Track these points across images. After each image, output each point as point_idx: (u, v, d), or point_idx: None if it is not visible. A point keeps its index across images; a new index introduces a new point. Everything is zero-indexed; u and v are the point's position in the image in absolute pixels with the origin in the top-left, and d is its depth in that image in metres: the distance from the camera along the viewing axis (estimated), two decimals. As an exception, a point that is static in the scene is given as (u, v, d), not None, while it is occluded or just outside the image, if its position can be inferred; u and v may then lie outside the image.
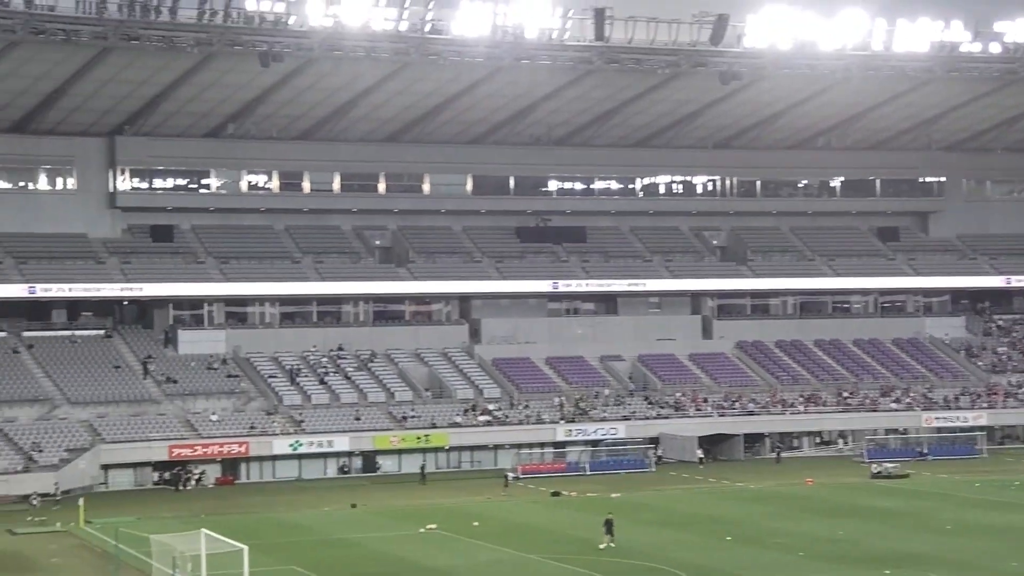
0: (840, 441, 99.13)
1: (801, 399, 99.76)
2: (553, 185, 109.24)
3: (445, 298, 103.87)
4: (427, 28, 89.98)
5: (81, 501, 69.51)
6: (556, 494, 77.91)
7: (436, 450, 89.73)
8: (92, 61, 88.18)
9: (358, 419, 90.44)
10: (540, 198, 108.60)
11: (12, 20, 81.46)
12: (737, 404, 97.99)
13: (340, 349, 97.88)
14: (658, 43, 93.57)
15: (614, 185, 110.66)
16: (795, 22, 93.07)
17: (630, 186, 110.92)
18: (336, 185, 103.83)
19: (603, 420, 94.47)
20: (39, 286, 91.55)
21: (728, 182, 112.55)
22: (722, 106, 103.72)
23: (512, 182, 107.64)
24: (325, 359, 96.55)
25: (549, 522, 67.73)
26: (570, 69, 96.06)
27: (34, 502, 73.32)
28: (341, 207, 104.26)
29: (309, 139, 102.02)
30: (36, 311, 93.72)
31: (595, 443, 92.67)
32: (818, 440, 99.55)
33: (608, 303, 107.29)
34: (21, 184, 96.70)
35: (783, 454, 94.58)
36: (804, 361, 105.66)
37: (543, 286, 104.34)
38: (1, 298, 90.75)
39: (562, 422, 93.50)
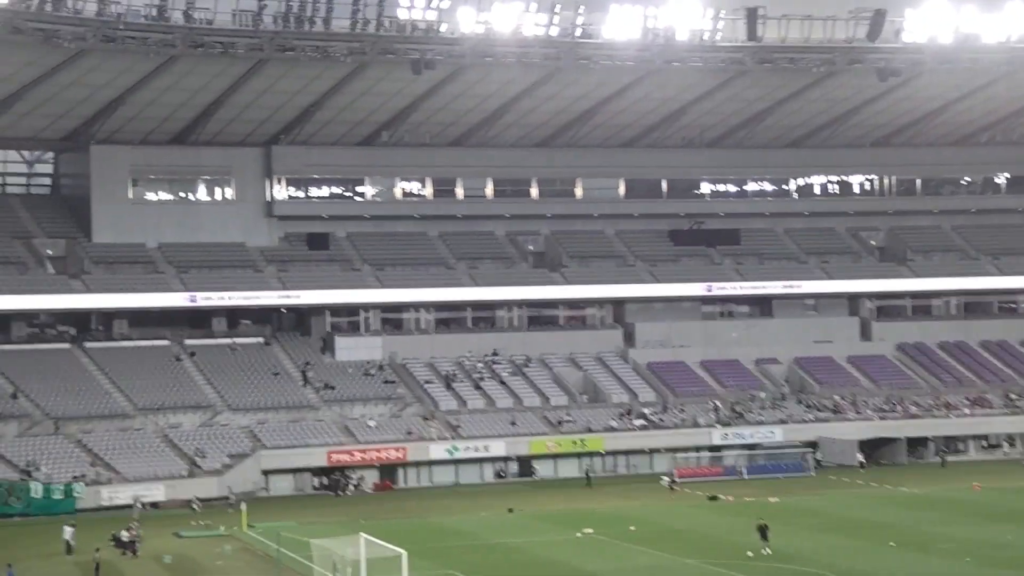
0: (1005, 444, 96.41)
1: (967, 402, 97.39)
2: (706, 187, 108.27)
3: (599, 302, 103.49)
4: (577, 32, 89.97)
5: (243, 506, 70.59)
6: (713, 498, 77.04)
7: (592, 454, 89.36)
8: (248, 73, 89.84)
9: (514, 424, 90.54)
10: (693, 201, 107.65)
11: (172, 35, 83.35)
12: (899, 407, 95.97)
13: (495, 354, 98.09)
14: (812, 41, 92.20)
15: (768, 186, 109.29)
16: (956, 15, 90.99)
17: (784, 187, 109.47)
18: (489, 191, 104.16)
19: (760, 423, 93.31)
20: (200, 295, 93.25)
21: (887, 181, 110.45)
22: (880, 103, 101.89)
23: (664, 185, 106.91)
24: (480, 364, 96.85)
25: (706, 527, 66.94)
26: (722, 70, 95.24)
27: (195, 507, 74.60)
28: (494, 213, 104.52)
29: (462, 145, 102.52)
30: (197, 319, 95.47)
31: (752, 447, 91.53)
32: (984, 444, 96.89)
33: (763, 305, 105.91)
34: (181, 195, 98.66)
35: (948, 458, 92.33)
36: (969, 363, 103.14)
37: (697, 289, 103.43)
38: (163, 307, 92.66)
39: (718, 426, 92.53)
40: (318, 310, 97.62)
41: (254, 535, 65.53)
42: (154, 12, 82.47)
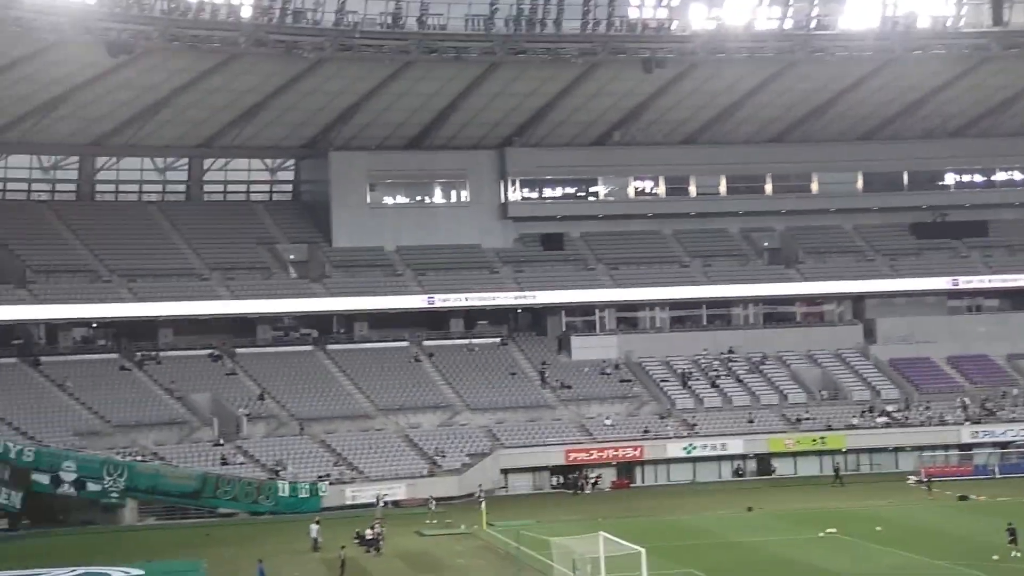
0: None
1: None
2: (950, 178, 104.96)
3: (837, 298, 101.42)
4: (812, 24, 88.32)
5: (483, 504, 71.22)
6: (963, 498, 74.62)
7: (832, 452, 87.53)
8: (481, 76, 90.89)
9: (751, 422, 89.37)
10: (936, 192, 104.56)
11: (406, 41, 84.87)
12: None
13: (731, 352, 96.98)
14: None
15: (1017, 175, 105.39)
16: None
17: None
18: (722, 188, 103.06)
19: (1012, 421, 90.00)
20: (437, 296, 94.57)
21: None
22: None
23: (905, 177, 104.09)
24: (716, 362, 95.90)
25: (957, 527, 64.84)
26: (965, 57, 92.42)
27: (431, 505, 75.47)
28: (728, 210, 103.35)
29: (694, 143, 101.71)
30: (435, 320, 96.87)
31: (1004, 445, 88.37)
32: None
33: (1014, 299, 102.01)
34: (418, 198, 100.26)
35: None
36: None
37: (942, 283, 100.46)
38: (403, 309, 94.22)
39: (967, 423, 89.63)
40: (554, 310, 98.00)
41: (494, 533, 66.05)
42: (389, 20, 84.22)
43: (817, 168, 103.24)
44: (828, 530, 63.47)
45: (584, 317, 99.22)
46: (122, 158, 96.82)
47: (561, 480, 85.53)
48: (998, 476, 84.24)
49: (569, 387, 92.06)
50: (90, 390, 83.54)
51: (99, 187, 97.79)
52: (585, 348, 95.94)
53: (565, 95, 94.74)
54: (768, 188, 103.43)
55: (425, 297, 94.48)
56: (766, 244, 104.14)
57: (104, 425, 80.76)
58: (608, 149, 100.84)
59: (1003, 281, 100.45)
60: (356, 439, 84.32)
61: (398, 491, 79.21)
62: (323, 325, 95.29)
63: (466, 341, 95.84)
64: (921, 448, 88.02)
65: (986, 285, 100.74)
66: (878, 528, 63.53)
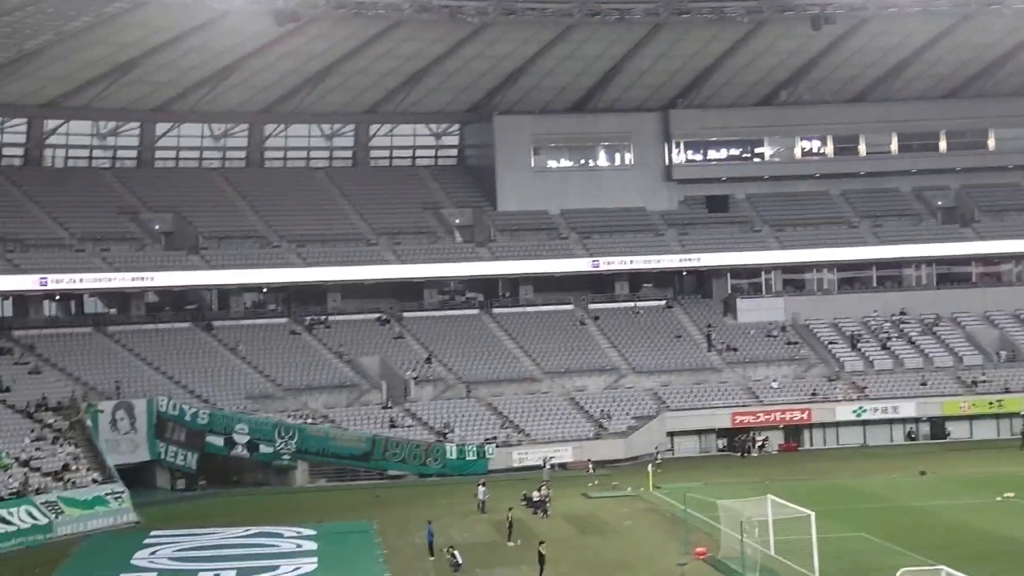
0: None
1: None
2: None
3: (1015, 258, 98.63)
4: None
5: (650, 467, 71.00)
6: None
7: (1010, 416, 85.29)
8: (645, 38, 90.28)
9: (924, 384, 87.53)
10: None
11: (570, 4, 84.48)
12: None
13: (902, 313, 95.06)
14: None
15: None
16: None
17: None
18: (893, 146, 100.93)
19: None
20: (602, 259, 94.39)
21: None
22: None
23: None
24: (887, 324, 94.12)
25: None
26: None
27: (590, 469, 75.31)
28: (899, 169, 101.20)
29: (863, 101, 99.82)
30: (600, 283, 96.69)
31: None
32: None
33: None
34: (582, 162, 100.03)
35: None
36: None
37: None
38: (568, 272, 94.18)
39: None
40: (719, 272, 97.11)
41: (661, 496, 65.81)
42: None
43: (994, 124, 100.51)
44: (1006, 494, 61.89)
45: (750, 279, 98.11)
46: (290, 125, 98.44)
47: (728, 443, 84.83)
48: None
49: (735, 350, 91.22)
50: (261, 354, 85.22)
51: (268, 154, 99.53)
52: (751, 310, 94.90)
53: (730, 55, 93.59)
54: (942, 145, 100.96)
55: (590, 260, 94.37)
56: (940, 203, 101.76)
57: (275, 388, 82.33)
58: (774, 109, 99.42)
59: None
60: (522, 402, 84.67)
61: (564, 454, 79.37)
62: (489, 289, 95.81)
63: (631, 304, 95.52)
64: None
65: None
66: (1058, 493, 61.84)
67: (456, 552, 50.22)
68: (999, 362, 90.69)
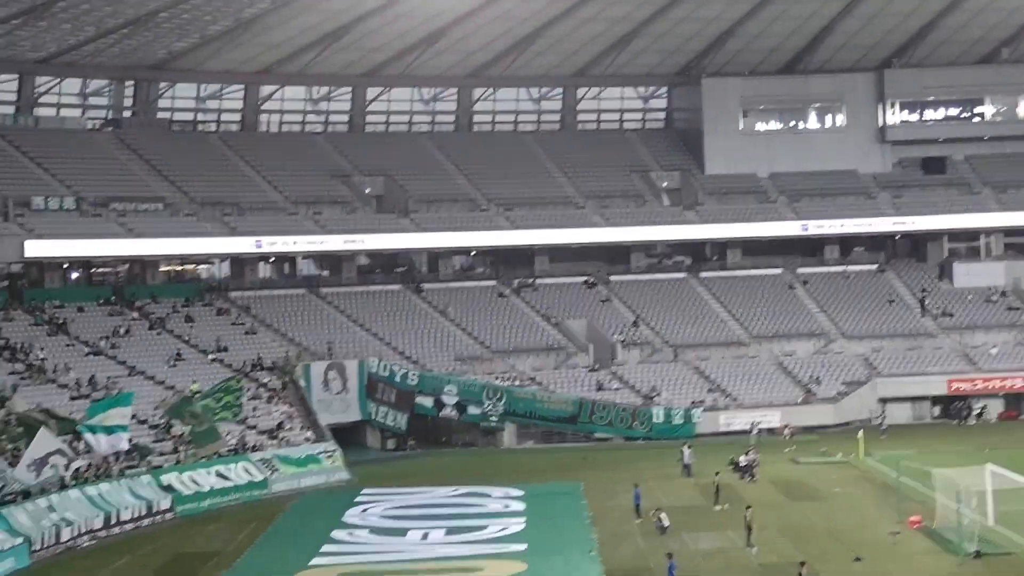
0: None
1: None
2: None
3: None
4: None
5: (860, 434, 69.63)
6: None
7: None
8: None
9: None
10: None
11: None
12: None
13: None
14: None
15: None
16: None
17: None
18: None
19: None
20: (811, 223, 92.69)
21: None
22: None
23: None
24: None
25: None
26: None
27: (786, 434, 74.17)
28: None
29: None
30: (809, 247, 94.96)
31: None
32: None
33: None
34: (792, 124, 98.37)
35: None
36: None
37: None
38: (776, 236, 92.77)
39: None
40: (934, 236, 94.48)
41: (872, 463, 64.53)
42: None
43: None
44: None
45: (968, 243, 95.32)
46: (498, 89, 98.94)
47: (943, 410, 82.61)
48: None
49: (951, 315, 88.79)
50: (469, 316, 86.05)
51: (476, 118, 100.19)
52: (969, 275, 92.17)
53: (948, 12, 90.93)
54: None
55: (799, 223, 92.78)
56: None
57: (483, 350, 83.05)
58: (995, 67, 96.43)
59: None
60: (730, 366, 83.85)
61: (772, 419, 78.29)
62: (696, 252, 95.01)
63: (841, 268, 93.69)
64: None
65: None
66: None
67: (663, 515, 50.07)
68: None
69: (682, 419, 76.95)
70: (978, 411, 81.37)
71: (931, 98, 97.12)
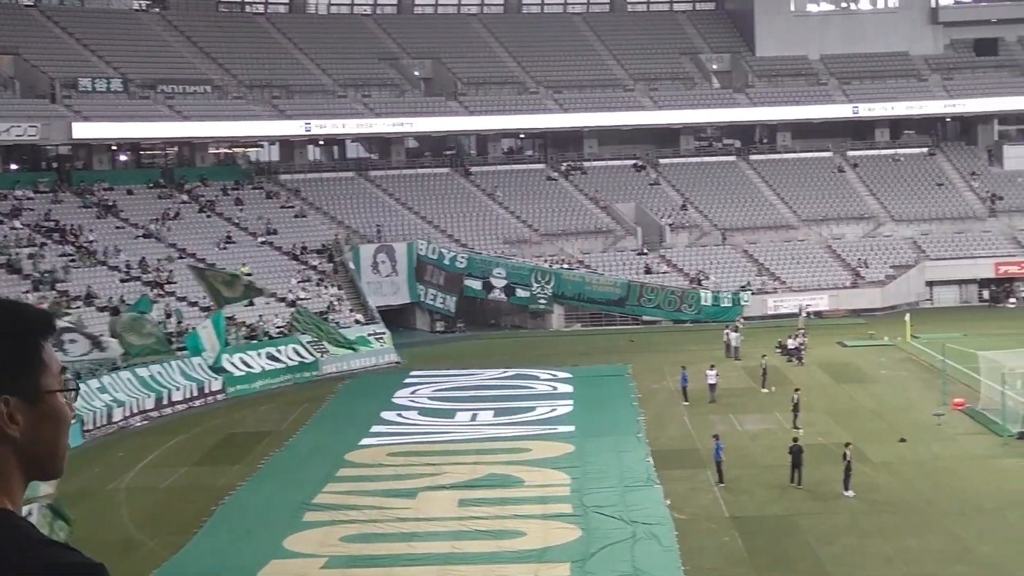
0: None
1: None
2: None
3: None
4: None
5: (907, 316, 69.70)
6: None
7: None
8: None
9: None
10: None
11: None
12: None
13: None
14: None
15: None
16: None
17: None
18: None
19: None
20: (862, 106, 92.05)
21: None
22: None
23: None
24: None
25: None
26: None
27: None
28: None
29: None
30: (859, 130, 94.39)
31: None
32: None
33: None
34: (843, 5, 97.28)
35: None
36: None
37: None
38: (827, 118, 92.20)
39: None
40: (985, 119, 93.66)
41: (918, 346, 64.74)
42: None
43: None
44: None
45: (1018, 126, 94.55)
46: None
47: (991, 294, 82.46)
48: None
49: (1000, 198, 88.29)
50: (518, 199, 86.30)
51: (525, 0, 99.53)
52: (1019, 158, 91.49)
53: None
54: None
55: (850, 106, 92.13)
56: None
57: (532, 233, 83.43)
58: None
59: None
60: (778, 249, 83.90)
61: (820, 302, 78.50)
62: (745, 135, 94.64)
63: (891, 151, 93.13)
64: None
65: None
66: None
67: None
68: None
69: (731, 302, 77.17)
70: (1020, 294, 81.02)
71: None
